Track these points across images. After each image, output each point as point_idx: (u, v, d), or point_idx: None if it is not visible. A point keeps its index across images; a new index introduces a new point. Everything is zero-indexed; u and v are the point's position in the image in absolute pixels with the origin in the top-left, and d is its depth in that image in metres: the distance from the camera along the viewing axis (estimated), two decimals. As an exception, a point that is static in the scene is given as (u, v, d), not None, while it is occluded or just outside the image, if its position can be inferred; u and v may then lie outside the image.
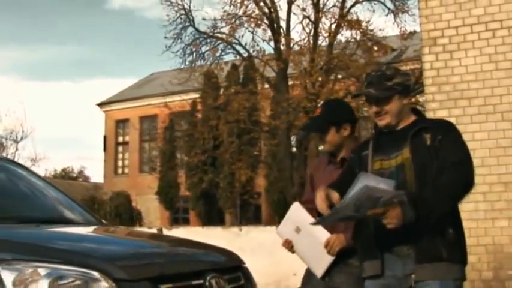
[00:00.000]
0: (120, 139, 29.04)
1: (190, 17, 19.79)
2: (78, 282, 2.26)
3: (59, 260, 2.31)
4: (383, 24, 39.60)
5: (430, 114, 5.78)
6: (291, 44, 19.09)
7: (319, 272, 3.12)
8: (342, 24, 18.71)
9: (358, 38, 18.84)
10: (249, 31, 19.48)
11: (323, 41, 19.16)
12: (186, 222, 23.91)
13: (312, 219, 3.00)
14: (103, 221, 3.85)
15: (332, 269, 3.11)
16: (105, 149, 28.65)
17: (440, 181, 2.56)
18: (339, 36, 19.09)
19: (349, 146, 3.24)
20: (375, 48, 19.26)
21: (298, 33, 24.05)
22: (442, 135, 2.65)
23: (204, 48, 19.98)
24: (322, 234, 3.07)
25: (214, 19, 19.56)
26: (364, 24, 18.62)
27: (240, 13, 19.24)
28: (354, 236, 2.85)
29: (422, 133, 2.68)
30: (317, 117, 3.39)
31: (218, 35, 19.85)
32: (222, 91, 21.33)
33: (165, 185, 23.52)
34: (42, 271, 2.23)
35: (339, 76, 18.82)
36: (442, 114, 5.79)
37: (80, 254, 2.45)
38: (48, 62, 52.35)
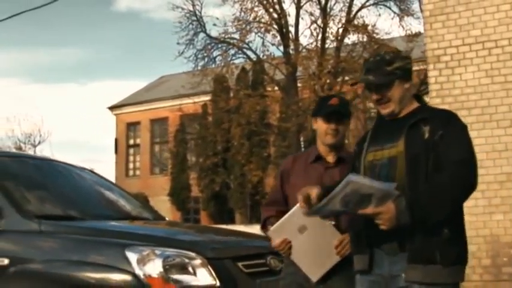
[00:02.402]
0: (131, 142, 29.24)
1: (202, 23, 20.22)
2: (179, 259, 3.01)
3: (165, 244, 3.08)
4: (389, 27, 39.14)
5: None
6: (300, 48, 19.42)
7: (316, 275, 2.88)
8: (349, 29, 19.07)
9: (364, 40, 19.14)
10: (259, 36, 19.91)
11: (330, 44, 19.49)
12: (197, 222, 23.78)
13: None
14: (166, 218, 4.67)
15: (329, 274, 2.89)
16: (116, 152, 28.93)
17: (438, 182, 2.31)
18: (346, 40, 19.42)
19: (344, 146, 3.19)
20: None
21: (307, 38, 24.27)
22: (442, 130, 2.38)
23: (215, 53, 20.39)
24: (333, 234, 2.88)
25: (225, 24, 19.96)
26: (370, 28, 18.91)
27: (250, 19, 19.68)
28: (346, 229, 2.73)
29: (421, 125, 2.42)
30: (342, 103, 3.04)
31: (229, 40, 20.18)
32: (232, 94, 21.61)
33: (177, 186, 23.73)
34: (157, 252, 2.98)
35: (347, 78, 18.98)
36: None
37: (179, 240, 3.27)
38: (52, 65, 52.81)
